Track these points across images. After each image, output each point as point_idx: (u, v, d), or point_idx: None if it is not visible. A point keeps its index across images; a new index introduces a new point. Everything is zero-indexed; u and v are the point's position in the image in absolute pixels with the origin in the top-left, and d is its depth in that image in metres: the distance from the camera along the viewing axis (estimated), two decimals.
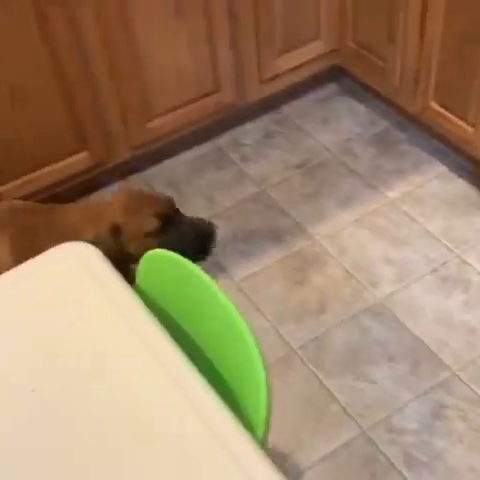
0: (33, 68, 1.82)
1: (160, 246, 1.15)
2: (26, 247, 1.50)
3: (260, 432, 0.92)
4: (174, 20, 1.95)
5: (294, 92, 2.43)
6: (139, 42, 1.93)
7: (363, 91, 2.44)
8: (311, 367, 1.74)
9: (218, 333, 1.01)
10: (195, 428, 0.89)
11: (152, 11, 1.90)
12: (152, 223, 1.53)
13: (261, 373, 0.91)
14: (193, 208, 2.14)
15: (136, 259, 1.40)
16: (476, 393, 1.65)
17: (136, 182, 2.26)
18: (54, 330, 1.04)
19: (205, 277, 1.01)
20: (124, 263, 1.48)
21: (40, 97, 1.87)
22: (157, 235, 1.54)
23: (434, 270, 1.91)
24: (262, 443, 0.92)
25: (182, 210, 1.62)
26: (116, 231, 1.52)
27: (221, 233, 2.07)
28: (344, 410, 1.66)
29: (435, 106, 2.05)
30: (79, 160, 2.07)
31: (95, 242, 1.47)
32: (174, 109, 2.13)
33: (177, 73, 2.06)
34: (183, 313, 1.08)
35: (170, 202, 1.58)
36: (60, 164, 2.04)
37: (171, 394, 0.93)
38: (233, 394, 0.98)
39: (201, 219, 1.61)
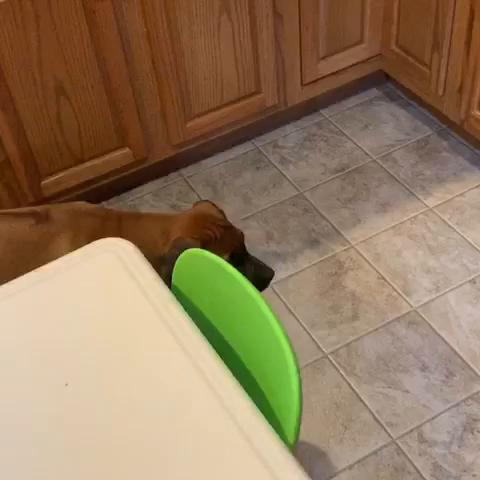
0: (80, 65, 1.84)
1: None
2: None
3: (291, 439, 0.92)
4: (218, 19, 1.96)
5: (336, 96, 2.42)
6: (182, 40, 1.94)
7: (406, 97, 2.42)
8: (342, 373, 1.73)
9: (252, 336, 1.01)
10: (227, 430, 0.89)
11: (197, 9, 1.90)
12: (226, 259, 1.50)
13: (295, 379, 0.91)
14: (229, 208, 2.15)
15: None
16: None
17: (175, 181, 2.28)
18: (88, 324, 1.05)
19: (242, 278, 1.01)
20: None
21: (85, 93, 1.90)
22: None
23: (472, 280, 1.88)
24: (292, 449, 0.92)
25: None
26: (203, 247, 1.49)
27: (256, 234, 2.08)
28: (374, 418, 1.64)
29: (478, 115, 2.02)
30: (120, 156, 2.09)
31: (166, 258, 1.47)
32: (214, 109, 2.14)
33: (219, 73, 2.07)
34: (218, 313, 1.08)
35: (242, 239, 1.58)
36: (101, 159, 2.07)
37: (203, 393, 0.93)
38: (265, 398, 0.98)
39: (263, 264, 1.60)
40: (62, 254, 1.46)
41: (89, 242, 1.51)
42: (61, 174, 2.02)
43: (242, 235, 1.59)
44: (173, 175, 2.29)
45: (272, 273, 1.60)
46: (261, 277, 1.58)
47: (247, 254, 1.60)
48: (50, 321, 1.06)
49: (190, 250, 1.12)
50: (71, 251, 1.49)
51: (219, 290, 1.06)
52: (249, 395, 0.92)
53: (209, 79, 2.06)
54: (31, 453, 0.91)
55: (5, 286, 1.12)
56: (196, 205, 1.65)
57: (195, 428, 0.90)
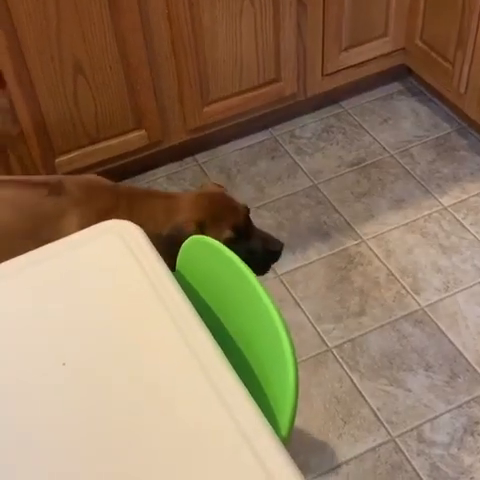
0: (99, 43, 1.83)
1: None
2: None
3: (284, 431, 0.91)
4: (241, 3, 1.93)
5: (356, 88, 2.39)
6: (203, 23, 1.92)
7: (427, 93, 2.39)
8: (345, 368, 1.72)
9: (252, 324, 1.00)
10: (219, 419, 0.88)
11: None
12: (227, 234, 1.50)
13: (292, 372, 0.90)
14: (242, 196, 2.13)
15: None
16: None
17: (189, 165, 2.27)
18: (87, 304, 1.05)
19: (244, 267, 1.00)
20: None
21: (102, 73, 1.89)
22: (228, 245, 1.52)
23: None
24: (285, 440, 0.91)
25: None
26: (201, 228, 1.49)
27: (267, 223, 2.07)
28: (374, 414, 1.63)
29: None
30: (135, 138, 2.08)
31: (170, 235, 1.47)
32: (233, 95, 2.12)
33: (239, 59, 2.05)
34: (219, 301, 1.07)
35: (247, 213, 1.57)
36: (116, 140, 2.06)
37: (198, 381, 0.92)
38: (261, 388, 0.98)
39: (271, 236, 1.59)
40: (72, 228, 1.47)
41: (99, 219, 1.51)
42: (75, 153, 2.02)
43: (247, 210, 1.57)
44: (188, 160, 2.28)
45: (281, 245, 1.57)
46: (270, 250, 1.56)
47: (253, 228, 1.57)
48: (50, 300, 1.06)
49: (195, 237, 1.11)
50: (81, 226, 1.50)
51: (221, 278, 1.05)
52: (245, 384, 0.91)
53: (228, 65, 2.05)
54: (29, 432, 0.91)
55: (7, 263, 1.11)
56: (203, 186, 1.65)
57: (187, 413, 0.90)
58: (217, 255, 1.06)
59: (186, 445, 0.87)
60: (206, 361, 0.94)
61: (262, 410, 0.88)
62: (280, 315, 0.94)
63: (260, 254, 1.55)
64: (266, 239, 1.57)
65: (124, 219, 1.51)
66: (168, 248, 1.41)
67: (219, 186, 1.63)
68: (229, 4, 1.92)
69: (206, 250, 1.09)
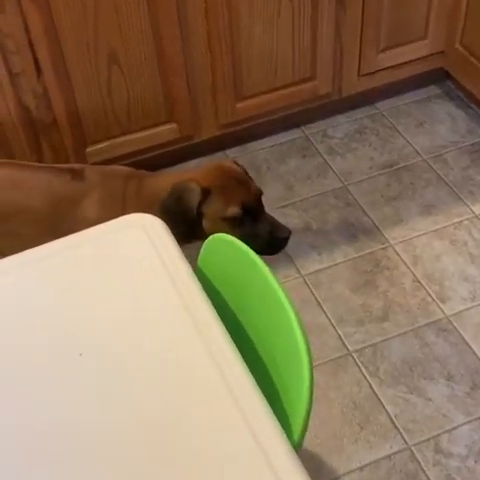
0: (135, 34, 1.83)
1: (231, 234, 1.12)
2: (116, 212, 1.51)
3: (297, 435, 0.90)
4: (280, 0, 1.92)
5: (392, 90, 2.36)
6: (240, 18, 1.91)
7: (465, 98, 2.35)
8: (364, 372, 1.70)
9: (271, 327, 0.99)
10: (232, 420, 0.88)
11: None
12: (235, 211, 1.49)
13: (307, 376, 0.89)
14: (271, 193, 2.12)
15: (199, 237, 1.40)
16: None
17: (220, 160, 2.26)
18: (106, 296, 1.05)
19: (265, 268, 1.00)
20: (187, 235, 1.47)
21: (137, 64, 1.89)
22: (233, 222, 1.51)
23: None
24: (297, 445, 0.90)
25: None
26: (205, 194, 1.48)
27: (294, 223, 2.05)
28: (392, 421, 1.61)
29: None
30: (166, 131, 2.08)
31: (173, 193, 1.47)
32: (266, 92, 2.10)
33: (274, 55, 2.03)
34: (238, 300, 1.07)
35: (259, 194, 1.55)
36: (147, 132, 2.06)
37: (213, 381, 0.92)
38: (276, 391, 0.97)
39: (279, 223, 1.57)
40: (91, 211, 1.54)
41: (113, 201, 1.53)
42: (106, 143, 2.03)
43: (259, 191, 1.55)
44: (218, 154, 2.27)
45: (288, 232, 1.55)
46: (276, 236, 1.54)
47: (263, 212, 1.56)
48: (70, 290, 1.06)
49: (217, 235, 1.11)
50: (98, 209, 1.53)
51: (241, 278, 1.05)
52: (260, 386, 0.90)
53: (264, 61, 2.03)
54: (46, 422, 0.91)
55: (30, 251, 1.12)
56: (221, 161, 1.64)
57: (200, 413, 0.90)
58: (239, 254, 1.05)
59: (197, 444, 0.87)
60: (222, 361, 0.93)
61: (276, 414, 0.88)
62: (299, 320, 0.93)
63: (265, 239, 1.53)
64: (274, 225, 1.55)
65: (133, 201, 1.55)
66: (171, 211, 1.43)
67: (237, 164, 1.62)
68: (267, 0, 1.91)
69: (228, 248, 1.09)
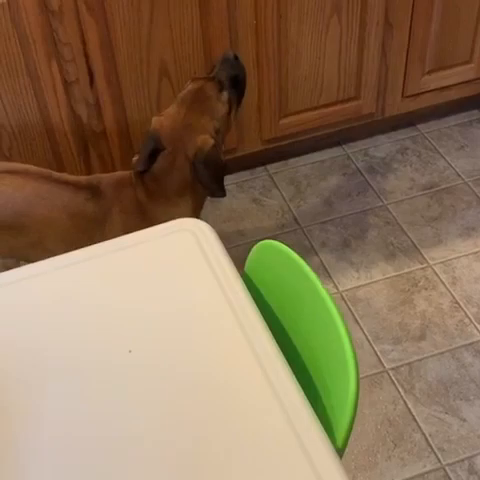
0: (186, 49, 1.88)
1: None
2: (137, 222, 1.53)
3: (340, 442, 0.92)
4: (328, 20, 1.96)
5: (436, 112, 2.37)
6: (289, 36, 1.95)
7: None
8: (400, 390, 1.70)
9: (317, 333, 1.01)
10: (277, 422, 0.89)
11: (308, 7, 1.91)
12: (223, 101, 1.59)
13: (353, 383, 0.91)
14: (311, 209, 2.15)
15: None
16: None
17: (260, 175, 2.29)
18: (156, 296, 1.07)
19: (313, 275, 1.02)
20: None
21: (187, 77, 1.93)
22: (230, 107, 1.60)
23: None
24: (340, 452, 0.92)
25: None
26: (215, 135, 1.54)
27: (333, 239, 2.07)
28: (426, 440, 1.61)
29: None
30: None
31: (199, 160, 1.49)
32: (310, 109, 2.13)
33: (320, 73, 2.06)
34: (285, 306, 1.09)
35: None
36: None
37: (258, 382, 0.94)
38: (320, 397, 0.98)
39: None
40: (117, 228, 1.53)
41: (130, 212, 1.54)
42: None
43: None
44: (259, 169, 2.31)
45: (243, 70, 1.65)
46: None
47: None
48: (120, 289, 1.09)
49: (266, 241, 1.13)
50: (121, 224, 1.54)
51: (289, 285, 1.07)
52: (305, 392, 0.92)
53: (309, 78, 2.07)
54: (96, 419, 0.94)
55: (80, 251, 1.16)
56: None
57: (245, 416, 0.91)
58: (287, 261, 1.07)
59: (243, 446, 0.88)
60: (268, 366, 0.95)
61: (320, 420, 0.89)
62: (346, 326, 0.95)
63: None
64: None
65: (144, 199, 1.55)
66: (204, 172, 1.50)
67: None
68: (316, 20, 1.95)
69: (276, 255, 1.11)
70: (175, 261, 1.13)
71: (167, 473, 0.87)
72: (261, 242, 1.15)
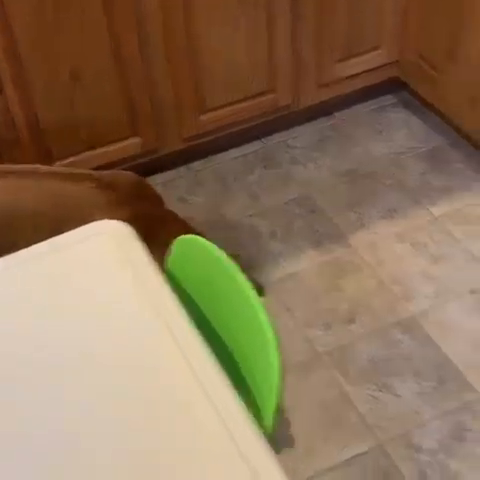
0: (95, 51, 1.86)
1: None
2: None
3: (269, 419, 0.93)
4: (235, 10, 1.96)
5: (350, 99, 2.42)
6: (197, 29, 1.94)
7: (420, 105, 2.42)
8: (334, 373, 1.73)
9: (240, 324, 1.02)
10: (203, 412, 0.90)
11: (214, 2, 1.91)
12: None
13: (275, 362, 0.92)
14: (237, 204, 2.16)
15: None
16: None
17: (185, 173, 2.29)
18: (77, 301, 1.06)
19: (231, 266, 1.02)
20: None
21: (99, 78, 1.92)
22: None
23: (472, 291, 1.88)
24: (270, 430, 0.93)
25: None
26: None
27: (260, 231, 2.09)
28: (363, 420, 1.64)
29: None
30: (131, 145, 2.10)
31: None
32: (228, 104, 2.14)
33: (234, 68, 2.07)
34: (208, 299, 1.09)
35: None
36: (113, 147, 2.08)
37: (183, 375, 0.94)
38: (246, 381, 0.99)
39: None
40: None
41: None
42: (72, 159, 2.04)
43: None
44: (183, 168, 2.31)
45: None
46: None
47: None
48: (41, 296, 1.07)
49: (185, 236, 1.13)
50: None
51: (210, 276, 1.07)
52: (231, 379, 0.92)
53: (223, 74, 2.07)
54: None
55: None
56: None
57: (171, 410, 0.91)
58: (207, 255, 1.07)
59: (170, 437, 0.88)
60: (192, 357, 0.95)
61: (246, 402, 0.90)
62: (265, 314, 0.96)
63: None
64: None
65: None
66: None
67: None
68: (223, 12, 1.95)
69: (196, 250, 1.11)
70: (95, 265, 1.12)
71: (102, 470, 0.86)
72: (180, 237, 1.15)
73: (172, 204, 2.19)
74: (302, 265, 1.99)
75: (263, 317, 0.92)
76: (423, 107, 2.41)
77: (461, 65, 2.04)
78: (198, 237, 1.10)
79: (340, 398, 1.68)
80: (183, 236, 1.14)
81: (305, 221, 2.12)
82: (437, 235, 2.03)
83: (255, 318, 0.95)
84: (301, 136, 2.38)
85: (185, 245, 1.14)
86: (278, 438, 1.60)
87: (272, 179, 2.26)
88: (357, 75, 2.29)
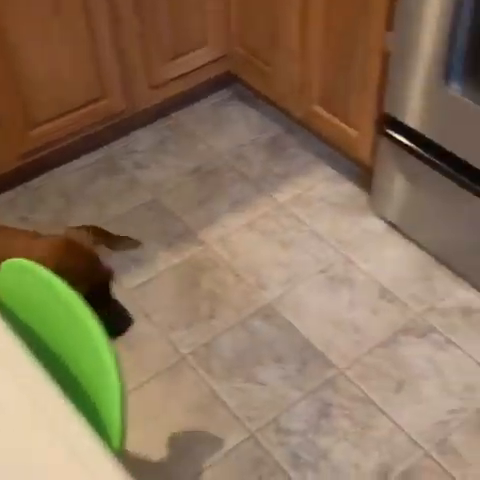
0: None
1: None
2: None
3: (116, 442, 0.91)
4: (51, 21, 1.90)
5: (187, 98, 2.43)
6: (11, 39, 1.86)
7: (254, 97, 2.47)
8: (201, 373, 1.73)
9: (76, 343, 0.99)
10: (47, 440, 0.86)
11: (29, 10, 1.84)
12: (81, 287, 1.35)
13: (115, 383, 0.90)
14: (84, 216, 2.10)
15: None
16: (362, 391, 1.69)
17: (24, 192, 2.20)
18: None
19: (61, 286, 0.99)
20: None
21: None
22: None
23: (321, 271, 1.94)
24: (119, 452, 0.91)
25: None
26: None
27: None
28: (233, 414, 1.66)
29: (320, 110, 2.09)
30: None
31: None
32: (59, 116, 2.08)
33: (59, 78, 2.01)
34: (42, 323, 1.05)
35: (108, 278, 1.40)
36: None
37: (23, 403, 0.90)
38: (90, 404, 0.96)
39: (123, 313, 1.46)
40: None
41: None
42: None
43: (110, 274, 1.41)
44: (20, 187, 2.21)
45: (129, 324, 1.44)
46: (116, 324, 1.40)
47: (110, 297, 1.44)
48: None
49: (11, 261, 1.08)
50: None
51: (39, 299, 1.03)
52: (75, 403, 0.89)
53: (49, 84, 2.00)
54: None
55: None
56: (71, 230, 1.45)
57: (9, 435, 0.87)
58: (34, 277, 1.03)
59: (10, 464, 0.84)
60: (33, 386, 0.91)
61: (93, 425, 0.87)
62: (100, 329, 0.94)
63: (103, 323, 1.41)
64: (117, 315, 1.43)
65: None
66: None
67: (87, 233, 1.44)
68: (38, 23, 1.88)
69: (23, 273, 1.06)
70: None
71: None
72: (5, 262, 1.09)
73: (13, 225, 2.10)
74: (158, 269, 1.98)
75: (98, 339, 0.90)
76: (257, 98, 2.46)
77: (283, 54, 2.10)
78: (23, 260, 1.06)
79: (210, 396, 1.69)
80: (8, 261, 1.08)
81: (156, 224, 2.10)
82: (284, 220, 2.08)
83: (90, 340, 0.92)
84: (142, 140, 2.36)
85: (11, 269, 1.09)
86: (153, 447, 1.58)
87: (118, 186, 2.22)
88: (188, 74, 2.30)
